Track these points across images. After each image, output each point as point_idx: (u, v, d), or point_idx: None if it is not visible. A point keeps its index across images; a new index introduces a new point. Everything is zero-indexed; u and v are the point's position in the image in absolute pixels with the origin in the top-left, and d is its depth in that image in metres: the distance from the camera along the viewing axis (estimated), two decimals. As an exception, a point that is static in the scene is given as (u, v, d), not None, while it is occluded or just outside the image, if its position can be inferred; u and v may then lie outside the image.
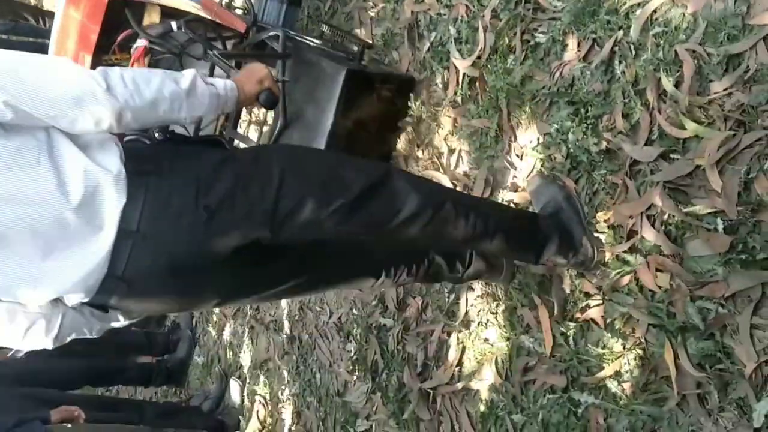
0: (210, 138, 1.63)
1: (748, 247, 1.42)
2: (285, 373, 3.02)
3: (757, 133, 1.43)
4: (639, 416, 1.58)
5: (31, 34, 2.88)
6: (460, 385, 2.07)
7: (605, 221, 1.70)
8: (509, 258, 1.86)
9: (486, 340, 2.02)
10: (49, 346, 1.31)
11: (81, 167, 1.21)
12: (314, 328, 2.84)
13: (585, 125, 1.75)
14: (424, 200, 1.47)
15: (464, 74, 2.15)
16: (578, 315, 1.74)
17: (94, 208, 1.22)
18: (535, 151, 1.90)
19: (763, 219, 1.41)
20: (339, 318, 2.70)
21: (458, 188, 2.15)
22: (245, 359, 3.39)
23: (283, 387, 3.03)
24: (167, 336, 3.88)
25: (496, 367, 1.97)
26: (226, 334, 3.55)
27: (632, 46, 1.69)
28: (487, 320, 2.02)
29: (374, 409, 2.44)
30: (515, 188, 1.97)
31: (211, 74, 1.99)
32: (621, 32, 1.72)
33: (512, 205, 1.96)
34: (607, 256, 1.68)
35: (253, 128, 2.39)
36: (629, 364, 1.63)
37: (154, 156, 1.34)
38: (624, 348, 1.64)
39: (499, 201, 1.99)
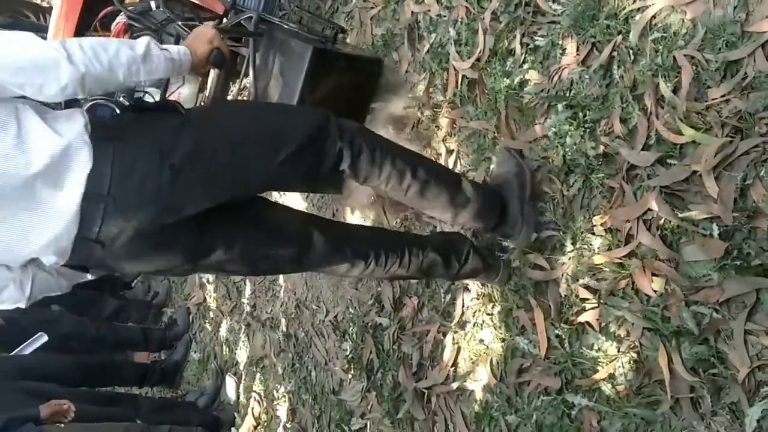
0: (167, 103, 1.72)
1: (743, 253, 1.43)
2: (280, 371, 3.02)
3: (754, 140, 1.43)
4: (632, 419, 1.59)
5: (31, 31, 2.88)
6: (455, 386, 2.08)
7: (602, 225, 1.71)
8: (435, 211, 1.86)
9: (481, 340, 2.03)
10: (23, 305, 1.43)
11: (46, 135, 1.31)
12: (310, 326, 2.85)
13: (583, 129, 1.76)
14: (365, 149, 1.62)
15: (463, 76, 2.16)
16: (573, 318, 1.75)
17: (59, 173, 1.31)
18: (533, 154, 1.90)
19: (759, 225, 1.42)
20: (335, 316, 2.71)
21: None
22: (241, 356, 3.40)
23: (278, 384, 3.04)
24: (164, 332, 3.89)
25: (491, 368, 1.98)
26: (223, 331, 3.56)
27: (631, 51, 1.70)
28: (483, 321, 2.03)
29: (369, 407, 2.45)
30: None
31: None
32: (620, 37, 1.72)
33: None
34: (604, 260, 1.69)
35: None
36: (623, 367, 1.64)
37: (117, 125, 1.47)
38: (618, 351, 1.65)
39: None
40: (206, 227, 1.48)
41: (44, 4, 3.76)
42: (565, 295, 1.79)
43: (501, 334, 1.96)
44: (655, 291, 1.58)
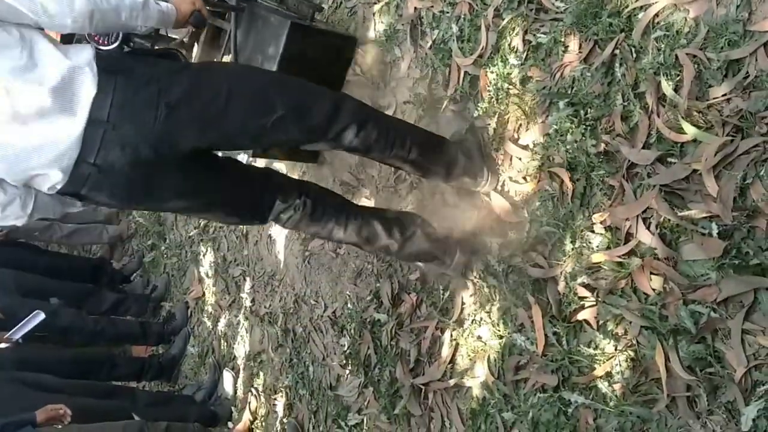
0: (168, 50, 1.90)
1: (742, 252, 1.43)
2: (278, 366, 3.02)
3: (754, 140, 1.43)
4: (628, 417, 1.59)
5: None
6: (452, 382, 2.08)
7: (601, 223, 1.70)
8: (427, 175, 2.03)
9: (479, 337, 2.03)
10: (23, 222, 1.59)
11: (57, 58, 1.45)
12: (308, 322, 2.85)
13: (584, 126, 1.76)
14: (352, 117, 1.75)
15: (465, 72, 2.15)
16: (571, 315, 1.75)
17: (69, 96, 1.44)
18: (534, 151, 1.91)
19: (758, 225, 1.42)
20: (333, 312, 2.71)
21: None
22: (239, 351, 3.40)
23: (276, 379, 3.04)
24: (162, 326, 3.89)
25: (489, 365, 1.97)
26: (221, 325, 3.56)
27: (633, 49, 1.70)
28: (481, 318, 2.03)
29: (366, 403, 2.45)
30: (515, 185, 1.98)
31: None
32: (623, 35, 1.72)
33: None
34: (604, 258, 1.69)
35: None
36: (620, 365, 1.64)
37: (122, 60, 1.62)
38: (615, 349, 1.65)
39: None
40: (193, 175, 1.63)
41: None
42: (564, 293, 1.79)
43: (499, 331, 1.96)
44: (653, 290, 1.58)
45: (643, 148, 1.64)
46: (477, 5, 2.14)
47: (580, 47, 1.83)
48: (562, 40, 1.87)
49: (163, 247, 4.25)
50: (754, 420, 1.36)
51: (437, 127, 2.18)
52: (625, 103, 1.69)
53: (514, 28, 2.01)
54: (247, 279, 3.40)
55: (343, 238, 1.93)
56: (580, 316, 1.73)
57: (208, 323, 3.69)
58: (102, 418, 2.69)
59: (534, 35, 1.95)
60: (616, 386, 1.63)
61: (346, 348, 2.58)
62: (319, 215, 1.87)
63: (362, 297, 2.53)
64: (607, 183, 1.71)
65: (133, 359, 3.87)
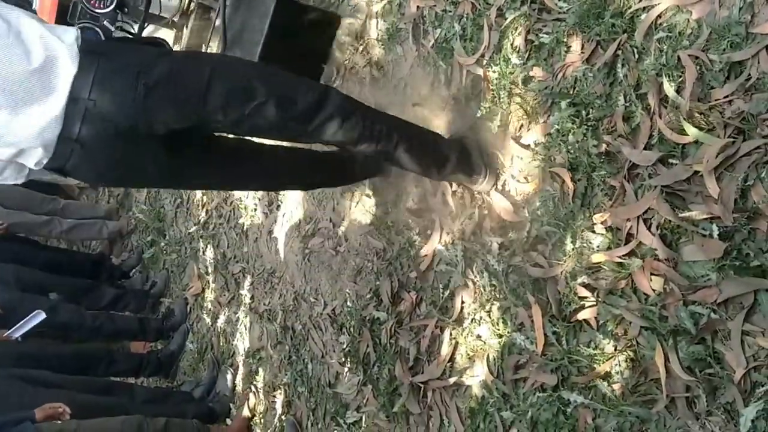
0: (155, 39, 1.99)
1: (743, 254, 1.44)
2: (277, 363, 3.03)
3: (755, 142, 1.44)
4: (627, 417, 1.60)
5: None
6: (451, 381, 2.08)
7: (602, 223, 1.71)
8: (415, 171, 2.02)
9: (479, 336, 2.03)
10: (22, 180, 1.64)
11: (42, 38, 1.49)
12: (308, 319, 2.85)
13: (585, 127, 1.76)
14: (337, 109, 1.75)
15: (467, 71, 2.16)
16: (571, 315, 1.76)
17: (51, 74, 1.49)
18: (535, 151, 1.91)
19: (759, 227, 1.42)
20: (333, 310, 2.71)
21: (454, 186, 2.16)
22: (238, 347, 3.40)
23: (274, 376, 3.04)
24: (161, 322, 3.89)
25: (488, 364, 1.98)
26: (220, 322, 3.56)
27: (635, 50, 1.70)
28: (481, 317, 2.03)
29: (365, 401, 2.45)
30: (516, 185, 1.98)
31: None
32: (625, 35, 1.72)
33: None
34: (604, 258, 1.69)
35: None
36: (620, 365, 1.64)
37: (105, 44, 1.72)
38: (615, 349, 1.65)
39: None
40: (176, 153, 1.67)
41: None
42: (564, 293, 1.80)
43: (498, 330, 1.96)
44: (653, 290, 1.58)
45: (645, 149, 1.64)
46: (480, 4, 2.14)
47: (582, 47, 1.83)
48: (565, 40, 1.87)
49: (162, 244, 4.26)
50: (752, 421, 1.36)
51: (440, 126, 2.19)
52: (627, 104, 1.70)
53: (516, 27, 2.01)
54: (247, 276, 3.40)
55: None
56: (580, 315, 1.73)
57: (207, 320, 3.70)
58: (100, 414, 2.69)
59: (536, 35, 1.95)
60: (616, 386, 1.64)
61: (345, 346, 2.58)
62: None
63: (362, 295, 2.53)
64: (609, 183, 1.72)
65: (132, 355, 3.87)
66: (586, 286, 1.73)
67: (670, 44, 1.63)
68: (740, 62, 1.50)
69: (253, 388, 3.18)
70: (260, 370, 3.17)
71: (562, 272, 1.80)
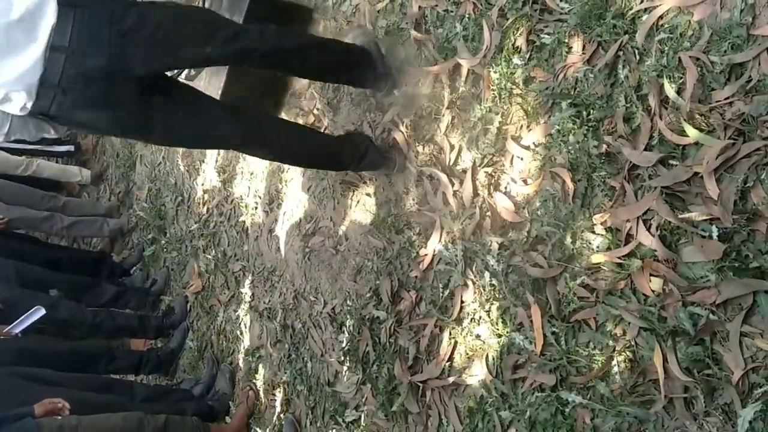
0: None
1: (742, 255, 1.44)
2: (276, 361, 3.03)
3: (756, 143, 1.44)
4: (625, 417, 1.60)
5: None
6: (450, 380, 2.09)
7: (602, 223, 1.71)
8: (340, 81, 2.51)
9: (478, 336, 2.04)
10: (1, 140, 1.84)
11: None
12: (308, 318, 2.85)
13: (586, 127, 1.76)
14: (274, 41, 2.08)
15: (468, 71, 2.16)
16: (570, 315, 1.76)
17: (33, 24, 1.66)
18: (536, 151, 1.91)
19: (758, 228, 1.42)
20: (333, 308, 2.71)
21: (455, 186, 2.16)
22: (238, 346, 3.40)
23: (274, 375, 3.05)
24: (161, 320, 3.89)
25: (487, 364, 1.98)
26: (220, 320, 3.56)
27: (637, 51, 1.70)
28: (480, 317, 2.03)
29: (364, 400, 2.46)
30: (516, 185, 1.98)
31: None
32: (626, 37, 1.72)
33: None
34: (604, 259, 1.69)
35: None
36: (618, 366, 1.64)
37: None
38: (614, 350, 1.66)
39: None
40: (147, 99, 1.86)
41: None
42: (563, 293, 1.80)
43: (498, 330, 1.97)
44: (652, 291, 1.59)
45: (645, 149, 1.64)
46: (481, 5, 2.14)
47: (583, 48, 1.83)
48: (566, 41, 1.88)
49: (163, 241, 4.26)
50: (750, 422, 1.37)
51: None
52: (628, 105, 1.70)
53: (518, 28, 2.01)
54: (247, 274, 3.41)
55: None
56: (579, 316, 1.73)
57: (207, 318, 3.70)
58: (100, 412, 2.69)
59: (538, 36, 1.95)
60: (614, 386, 1.64)
61: (344, 344, 2.59)
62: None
63: (362, 294, 2.54)
64: (609, 184, 1.72)
65: (132, 352, 3.87)
66: (585, 286, 1.74)
67: (671, 45, 1.63)
68: (741, 64, 1.50)
69: (252, 387, 3.19)
70: (260, 368, 3.17)
71: (561, 272, 1.80)
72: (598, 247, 1.73)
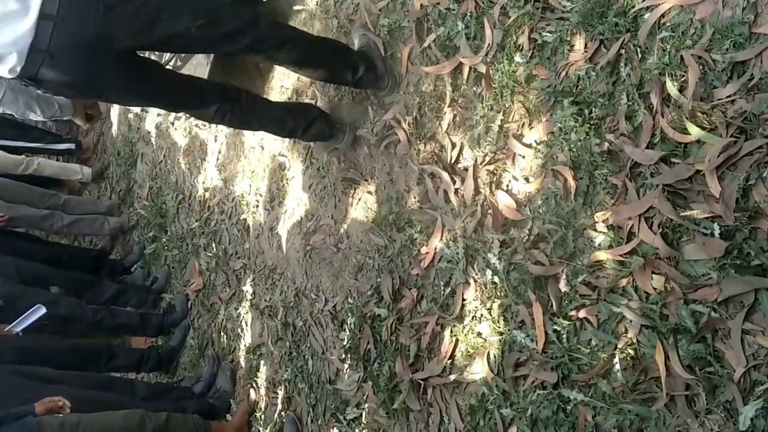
0: None
1: (743, 253, 1.44)
2: (278, 359, 3.03)
3: (757, 141, 1.44)
4: (627, 415, 1.61)
5: None
6: (451, 378, 2.09)
7: (604, 221, 1.71)
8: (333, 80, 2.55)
9: (479, 334, 2.04)
10: None
11: None
12: (309, 315, 2.86)
13: (588, 125, 1.77)
14: (268, 33, 2.15)
15: (470, 69, 2.16)
16: (572, 313, 1.76)
17: None
18: (538, 149, 1.91)
19: (760, 226, 1.43)
20: (334, 306, 2.71)
21: (457, 184, 2.17)
22: (239, 343, 3.41)
23: (275, 372, 3.05)
24: (162, 317, 3.89)
25: (488, 362, 1.99)
26: (221, 318, 3.56)
27: (639, 49, 1.70)
28: (482, 315, 2.04)
29: (365, 397, 2.46)
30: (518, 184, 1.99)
31: None
32: (628, 35, 1.73)
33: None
34: (605, 257, 1.70)
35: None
36: (620, 363, 1.65)
37: None
38: (615, 348, 1.66)
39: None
40: (130, 68, 1.99)
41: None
42: (565, 291, 1.80)
43: (499, 327, 1.97)
44: (654, 289, 1.59)
45: (647, 147, 1.65)
46: (483, 3, 2.14)
47: (585, 46, 1.83)
48: (568, 39, 1.88)
49: (164, 239, 4.26)
50: (752, 419, 1.37)
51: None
52: (630, 103, 1.70)
53: (520, 26, 2.01)
54: (248, 272, 3.41)
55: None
56: (581, 313, 1.73)
57: (208, 316, 3.70)
58: (100, 410, 2.69)
59: (540, 34, 1.95)
60: (616, 384, 1.65)
61: (345, 342, 2.59)
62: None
63: (363, 292, 2.54)
64: (610, 182, 1.72)
65: (132, 350, 3.87)
66: (587, 284, 1.74)
67: (673, 44, 1.63)
68: (743, 62, 1.50)
69: (253, 384, 3.19)
70: (261, 366, 3.17)
71: (563, 270, 1.81)
72: (599, 244, 1.73)
